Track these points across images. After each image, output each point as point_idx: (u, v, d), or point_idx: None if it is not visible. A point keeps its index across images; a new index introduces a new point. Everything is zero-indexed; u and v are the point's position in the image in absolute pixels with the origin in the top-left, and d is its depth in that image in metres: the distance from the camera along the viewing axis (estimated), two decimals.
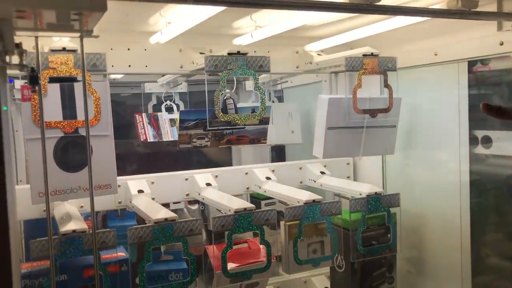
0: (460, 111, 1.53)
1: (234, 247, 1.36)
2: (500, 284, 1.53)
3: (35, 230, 1.48)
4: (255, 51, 1.65)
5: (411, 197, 1.71)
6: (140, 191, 1.49)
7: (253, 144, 1.51)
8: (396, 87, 1.55)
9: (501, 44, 1.34)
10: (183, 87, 2.39)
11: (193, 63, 1.62)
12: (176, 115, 2.34)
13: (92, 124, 1.19)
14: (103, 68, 1.21)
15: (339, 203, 1.47)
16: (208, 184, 1.57)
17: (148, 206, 1.39)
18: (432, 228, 1.69)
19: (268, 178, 1.66)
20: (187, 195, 1.63)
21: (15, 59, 0.85)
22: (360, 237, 1.51)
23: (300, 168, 1.80)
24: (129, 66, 1.62)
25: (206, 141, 1.46)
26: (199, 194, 1.57)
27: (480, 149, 1.52)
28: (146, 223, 1.27)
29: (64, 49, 1.15)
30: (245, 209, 1.33)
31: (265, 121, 1.44)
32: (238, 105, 1.47)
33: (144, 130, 2.30)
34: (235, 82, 1.57)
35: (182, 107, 2.38)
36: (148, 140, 2.29)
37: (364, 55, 1.51)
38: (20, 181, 2.03)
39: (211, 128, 1.41)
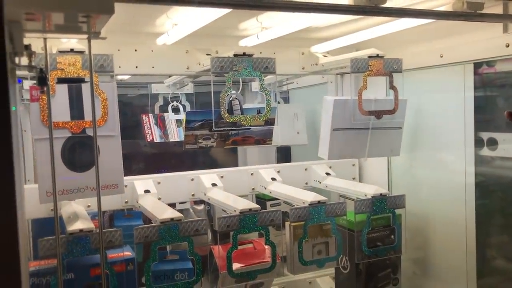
0: (466, 113, 1.53)
1: (239, 247, 1.37)
2: (505, 286, 1.52)
3: (43, 229, 1.50)
4: (261, 52, 1.65)
5: (416, 199, 1.71)
6: (147, 191, 1.50)
7: (258, 145, 1.52)
8: (401, 88, 1.55)
9: (507, 46, 1.34)
10: (189, 88, 2.40)
11: (200, 64, 1.63)
12: (182, 116, 2.34)
13: (99, 125, 1.20)
14: (111, 69, 1.22)
15: (344, 204, 1.47)
16: (214, 185, 1.58)
17: (154, 206, 1.40)
18: (437, 230, 1.69)
19: (273, 179, 1.67)
20: (193, 195, 1.64)
21: (24, 61, 0.86)
22: (365, 238, 1.51)
23: (306, 169, 1.80)
24: (136, 67, 1.63)
25: (212, 142, 1.47)
26: (204, 195, 1.58)
27: (485, 151, 1.52)
28: (152, 223, 1.28)
29: (72, 50, 1.16)
30: (250, 209, 1.33)
31: (270, 122, 1.44)
32: (244, 106, 1.48)
33: (151, 131, 2.31)
34: (241, 83, 1.57)
35: (188, 108, 2.39)
36: (155, 141, 2.30)
37: (369, 56, 1.51)
38: (28, 180, 2.04)
39: (217, 129, 1.42)
